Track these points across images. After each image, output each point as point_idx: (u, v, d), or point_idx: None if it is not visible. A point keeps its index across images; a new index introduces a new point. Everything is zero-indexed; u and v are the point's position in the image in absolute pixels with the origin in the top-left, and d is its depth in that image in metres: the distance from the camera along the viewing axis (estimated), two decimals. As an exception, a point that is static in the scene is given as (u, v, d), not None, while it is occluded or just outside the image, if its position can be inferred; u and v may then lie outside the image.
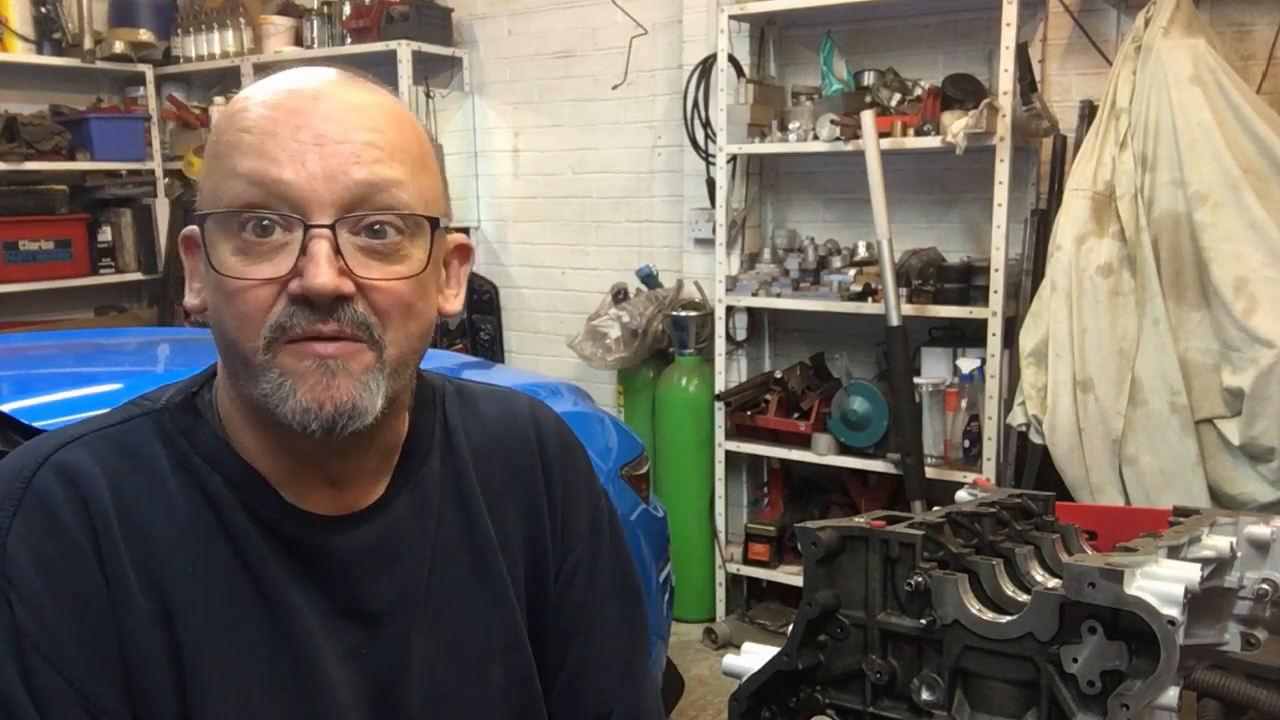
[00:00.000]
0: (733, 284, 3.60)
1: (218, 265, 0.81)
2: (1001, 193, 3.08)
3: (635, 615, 1.10)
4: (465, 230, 4.32)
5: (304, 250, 0.80)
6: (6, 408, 1.65)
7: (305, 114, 0.82)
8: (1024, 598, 0.80)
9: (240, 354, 0.82)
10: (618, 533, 1.11)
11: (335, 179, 0.81)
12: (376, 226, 0.83)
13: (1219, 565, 1.03)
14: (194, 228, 0.86)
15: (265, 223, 0.80)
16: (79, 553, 0.81)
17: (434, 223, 0.87)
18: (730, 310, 3.69)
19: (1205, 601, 1.01)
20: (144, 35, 4.77)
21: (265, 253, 0.81)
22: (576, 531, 1.06)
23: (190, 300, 0.89)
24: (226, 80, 4.86)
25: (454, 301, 0.94)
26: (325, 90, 0.84)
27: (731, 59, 3.61)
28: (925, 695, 0.82)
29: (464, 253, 0.96)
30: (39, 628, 0.78)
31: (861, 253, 3.51)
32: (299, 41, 4.59)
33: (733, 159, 3.63)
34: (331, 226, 0.80)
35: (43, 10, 4.54)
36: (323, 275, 0.79)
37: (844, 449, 3.41)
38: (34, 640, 0.78)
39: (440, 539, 0.96)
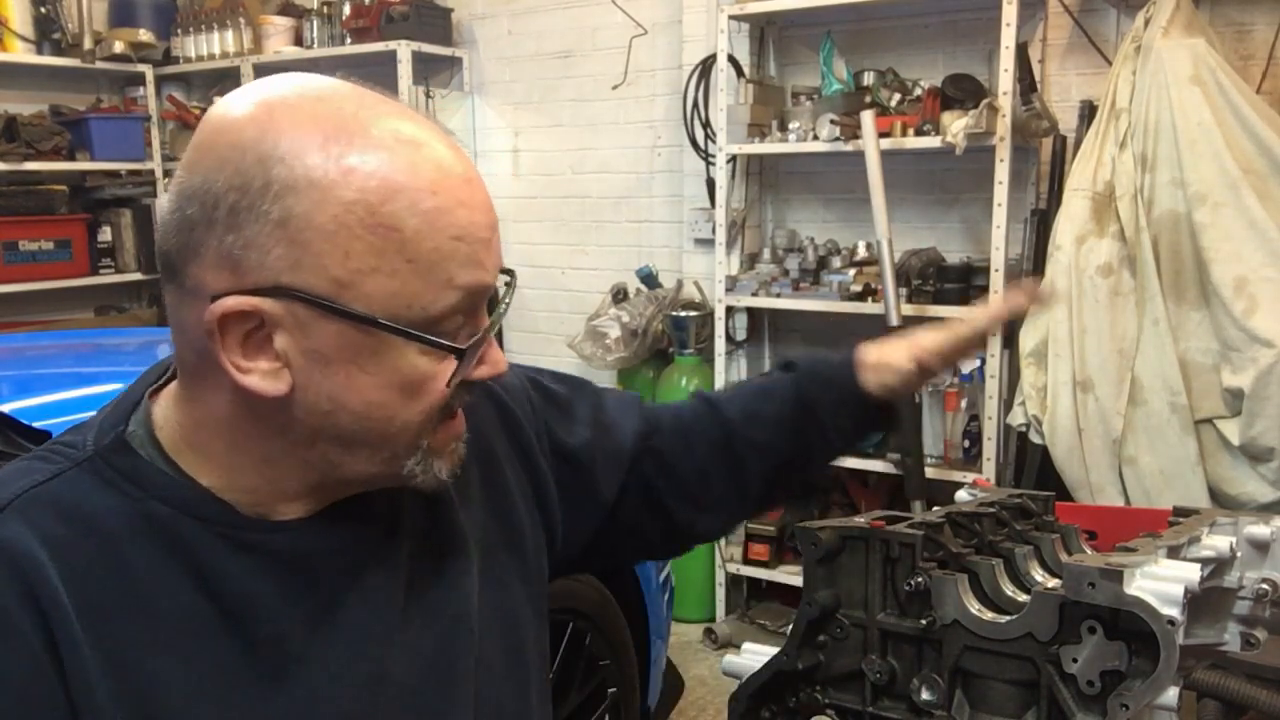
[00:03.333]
0: (732, 284, 3.60)
1: (408, 368, 0.77)
2: (1001, 193, 3.07)
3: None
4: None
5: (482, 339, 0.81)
6: (6, 408, 1.65)
7: (480, 208, 0.79)
8: (1024, 598, 0.80)
9: (399, 443, 0.80)
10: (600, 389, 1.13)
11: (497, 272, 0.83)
12: None
13: (1219, 565, 1.03)
14: (267, 301, 0.73)
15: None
16: (31, 658, 0.71)
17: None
18: (730, 310, 3.69)
19: (1205, 601, 1.01)
20: (144, 35, 4.77)
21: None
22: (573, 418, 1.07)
23: (267, 385, 0.75)
24: (226, 80, 4.86)
25: None
26: (470, 171, 0.80)
27: (731, 59, 3.61)
28: (925, 695, 0.82)
29: None
30: None
31: (861, 253, 3.51)
32: (299, 42, 4.59)
33: (732, 159, 3.63)
34: None
35: (43, 10, 4.53)
36: (504, 361, 0.84)
37: (844, 449, 3.40)
38: None
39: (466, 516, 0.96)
